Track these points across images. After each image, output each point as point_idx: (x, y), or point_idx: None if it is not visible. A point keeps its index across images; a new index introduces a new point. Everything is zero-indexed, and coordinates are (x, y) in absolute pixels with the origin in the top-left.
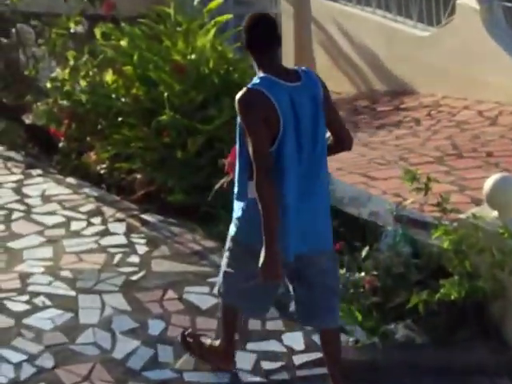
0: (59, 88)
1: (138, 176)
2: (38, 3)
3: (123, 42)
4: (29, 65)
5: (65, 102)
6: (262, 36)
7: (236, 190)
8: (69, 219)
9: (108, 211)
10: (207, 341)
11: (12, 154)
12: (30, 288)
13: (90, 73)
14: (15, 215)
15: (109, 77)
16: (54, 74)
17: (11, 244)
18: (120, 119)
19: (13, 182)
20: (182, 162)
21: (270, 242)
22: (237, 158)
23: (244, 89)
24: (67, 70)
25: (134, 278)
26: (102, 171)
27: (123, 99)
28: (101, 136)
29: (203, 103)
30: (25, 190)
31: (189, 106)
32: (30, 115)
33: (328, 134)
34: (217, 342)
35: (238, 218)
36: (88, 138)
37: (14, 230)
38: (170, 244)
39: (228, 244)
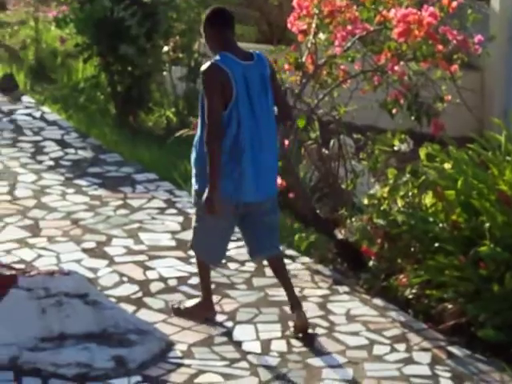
0: (376, 206)
1: (449, 306)
2: (363, 117)
3: (447, 165)
4: (347, 178)
5: (380, 221)
6: (218, 21)
7: (195, 141)
8: (372, 342)
9: (413, 339)
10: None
11: (320, 267)
12: None
13: (410, 193)
14: (317, 331)
15: (428, 199)
16: (372, 191)
17: (311, 361)
18: (436, 245)
19: (318, 296)
20: (497, 297)
21: (213, 185)
22: (199, 117)
23: (207, 63)
24: (386, 189)
25: None
26: (410, 296)
27: (441, 224)
28: (413, 260)
29: None
30: (329, 306)
31: (511, 240)
32: (342, 230)
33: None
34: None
35: (196, 167)
36: (399, 260)
37: (316, 346)
38: (475, 381)
39: (193, 199)
